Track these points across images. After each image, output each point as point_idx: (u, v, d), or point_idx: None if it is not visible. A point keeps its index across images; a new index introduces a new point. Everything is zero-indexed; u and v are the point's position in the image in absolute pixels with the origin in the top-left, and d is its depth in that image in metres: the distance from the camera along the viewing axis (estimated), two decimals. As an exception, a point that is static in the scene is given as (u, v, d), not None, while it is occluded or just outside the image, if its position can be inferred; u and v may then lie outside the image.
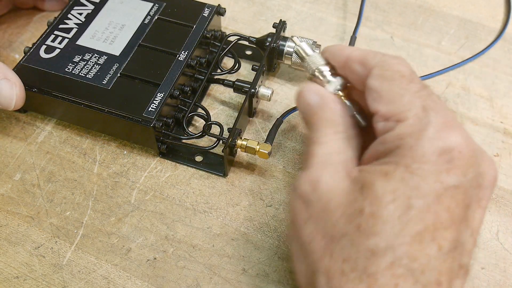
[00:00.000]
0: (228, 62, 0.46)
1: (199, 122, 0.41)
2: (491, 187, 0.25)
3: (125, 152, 0.40)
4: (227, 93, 0.43)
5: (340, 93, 0.30)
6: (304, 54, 0.33)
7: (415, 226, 0.23)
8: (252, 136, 0.41)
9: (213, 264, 0.34)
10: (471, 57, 0.46)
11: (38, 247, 0.35)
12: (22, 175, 0.38)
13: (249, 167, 0.39)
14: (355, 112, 0.30)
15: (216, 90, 0.44)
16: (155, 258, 0.34)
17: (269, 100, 0.40)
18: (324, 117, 0.28)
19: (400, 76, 0.26)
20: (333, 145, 0.27)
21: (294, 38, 0.36)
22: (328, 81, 0.31)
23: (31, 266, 0.34)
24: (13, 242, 0.35)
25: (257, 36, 0.43)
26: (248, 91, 0.39)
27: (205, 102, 0.43)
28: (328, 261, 0.24)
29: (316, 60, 0.32)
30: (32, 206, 0.37)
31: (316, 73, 0.31)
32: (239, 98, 0.43)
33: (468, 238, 0.24)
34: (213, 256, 0.34)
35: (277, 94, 0.43)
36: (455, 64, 0.46)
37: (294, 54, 0.41)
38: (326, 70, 0.31)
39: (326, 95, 0.29)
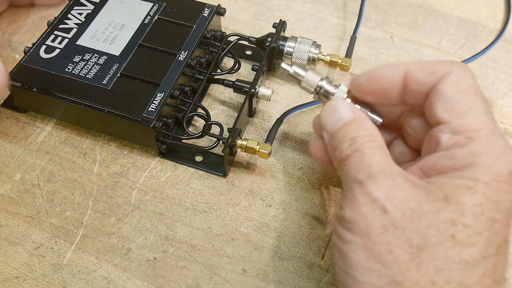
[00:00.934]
0: (228, 62, 0.46)
1: (199, 122, 0.41)
2: None
3: (125, 152, 0.40)
4: (227, 93, 0.43)
5: (348, 99, 0.31)
6: (299, 77, 0.33)
7: (498, 239, 0.24)
8: (252, 136, 0.41)
9: (213, 264, 0.34)
10: (471, 57, 0.46)
11: (38, 247, 0.35)
12: (22, 175, 0.38)
13: (249, 167, 0.39)
14: (369, 112, 0.31)
15: (216, 90, 0.44)
16: (155, 258, 0.34)
17: (269, 100, 0.40)
18: (366, 132, 0.28)
19: (474, 92, 0.27)
20: (381, 158, 0.27)
21: (283, 65, 0.34)
22: (333, 93, 0.32)
23: (31, 266, 0.34)
24: (13, 242, 0.35)
25: (257, 36, 0.43)
26: (248, 91, 0.39)
27: (205, 102, 0.43)
28: (415, 272, 0.23)
29: (312, 78, 0.32)
30: (32, 206, 0.37)
31: (318, 89, 0.32)
32: (239, 98, 0.43)
33: None
34: (213, 256, 0.35)
35: (277, 94, 0.43)
36: (455, 64, 0.46)
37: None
38: (325, 83, 0.32)
39: (359, 111, 0.29)
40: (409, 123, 0.31)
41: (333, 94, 0.32)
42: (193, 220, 0.36)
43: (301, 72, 0.33)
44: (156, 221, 0.36)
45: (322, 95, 0.32)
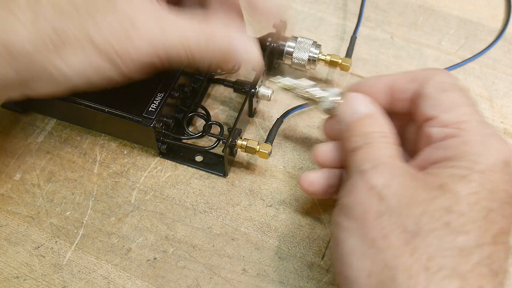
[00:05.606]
0: (228, 62, 0.46)
1: (199, 122, 0.41)
2: None
3: (125, 152, 0.40)
4: (227, 93, 0.43)
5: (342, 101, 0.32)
6: (290, 87, 0.35)
7: (494, 227, 0.24)
8: (252, 136, 0.41)
9: (213, 264, 0.34)
10: (471, 57, 0.46)
11: (38, 247, 0.35)
12: (22, 175, 0.38)
13: (249, 167, 0.39)
14: None
15: (216, 90, 0.44)
16: (155, 258, 0.34)
17: (269, 100, 0.40)
18: (380, 129, 0.29)
19: (458, 89, 0.28)
20: (389, 152, 0.27)
21: (272, 79, 0.36)
22: (323, 96, 0.33)
23: (31, 266, 0.34)
24: (13, 242, 0.35)
25: (257, 36, 0.43)
26: (248, 91, 0.39)
27: (205, 102, 0.43)
28: (408, 257, 0.23)
29: (302, 84, 0.34)
30: (32, 206, 0.37)
31: (309, 96, 0.34)
32: (239, 98, 0.43)
33: None
34: (213, 256, 0.35)
35: (277, 94, 0.43)
36: (455, 64, 0.46)
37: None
38: (315, 89, 0.34)
39: (376, 107, 0.30)
40: (408, 129, 0.32)
41: (325, 97, 0.33)
42: (193, 220, 0.36)
43: (291, 82, 0.35)
44: (156, 221, 0.36)
45: (313, 100, 0.34)
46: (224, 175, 0.38)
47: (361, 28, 0.48)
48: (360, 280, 0.25)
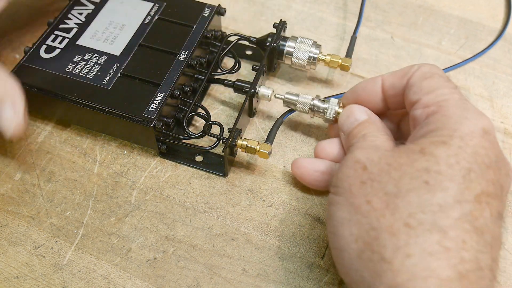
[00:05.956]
0: (228, 62, 0.46)
1: (199, 122, 0.42)
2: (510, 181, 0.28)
3: (125, 152, 0.40)
4: (227, 93, 0.43)
5: (341, 110, 0.36)
6: (293, 101, 0.38)
7: (476, 187, 0.25)
8: (252, 136, 0.41)
9: (213, 264, 0.34)
10: (471, 57, 0.46)
11: (38, 247, 0.35)
12: (22, 175, 0.38)
13: (249, 167, 0.39)
14: None
15: (216, 90, 0.44)
16: (155, 258, 0.34)
17: (270, 100, 0.40)
18: (374, 128, 0.31)
19: (440, 76, 0.30)
20: (382, 141, 0.30)
21: (277, 95, 0.39)
22: (326, 107, 0.37)
23: (31, 266, 0.34)
24: (13, 242, 0.35)
25: (257, 36, 0.43)
26: (248, 91, 0.39)
27: (205, 102, 0.43)
28: (390, 217, 0.24)
29: (304, 100, 0.37)
30: (32, 206, 0.37)
31: (313, 108, 0.37)
32: (239, 98, 0.43)
33: (504, 214, 0.26)
34: (213, 256, 0.35)
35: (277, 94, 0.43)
36: (455, 64, 0.46)
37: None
38: (316, 101, 0.37)
39: (373, 114, 0.33)
40: (403, 124, 0.35)
41: (326, 108, 0.37)
42: (193, 220, 0.36)
43: (294, 97, 0.38)
44: (156, 221, 0.36)
45: (317, 112, 0.37)
46: (224, 175, 0.38)
47: (361, 28, 0.48)
48: (348, 246, 0.26)
